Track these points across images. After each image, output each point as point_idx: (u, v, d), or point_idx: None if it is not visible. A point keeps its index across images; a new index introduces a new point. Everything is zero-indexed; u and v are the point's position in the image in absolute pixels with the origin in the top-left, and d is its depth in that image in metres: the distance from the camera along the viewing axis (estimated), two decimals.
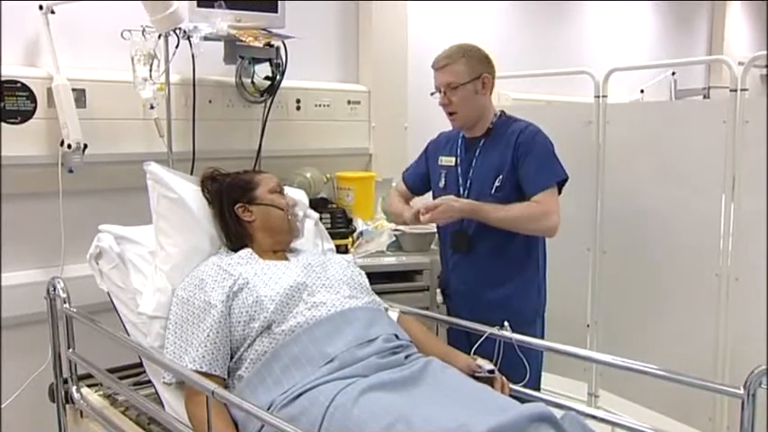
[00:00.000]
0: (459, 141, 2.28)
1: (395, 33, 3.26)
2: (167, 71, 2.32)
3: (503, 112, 2.27)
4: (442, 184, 2.29)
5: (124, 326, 1.92)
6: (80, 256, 2.06)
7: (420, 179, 2.42)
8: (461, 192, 2.21)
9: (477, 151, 2.21)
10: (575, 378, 2.72)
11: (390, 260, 2.66)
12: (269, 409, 1.53)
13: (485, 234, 2.15)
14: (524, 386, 1.85)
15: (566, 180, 2.15)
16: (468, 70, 2.14)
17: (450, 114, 2.20)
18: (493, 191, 2.14)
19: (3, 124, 2.15)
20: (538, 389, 2.12)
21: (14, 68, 2.20)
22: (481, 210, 2.09)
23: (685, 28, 5.63)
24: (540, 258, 2.26)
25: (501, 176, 2.14)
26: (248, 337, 1.67)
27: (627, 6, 4.94)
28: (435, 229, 2.46)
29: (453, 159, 2.26)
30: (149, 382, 1.86)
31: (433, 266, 2.64)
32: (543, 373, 2.26)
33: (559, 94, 3.85)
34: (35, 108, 2.21)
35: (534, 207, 2.08)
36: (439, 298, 2.38)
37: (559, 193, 2.14)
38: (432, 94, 2.21)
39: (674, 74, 4.59)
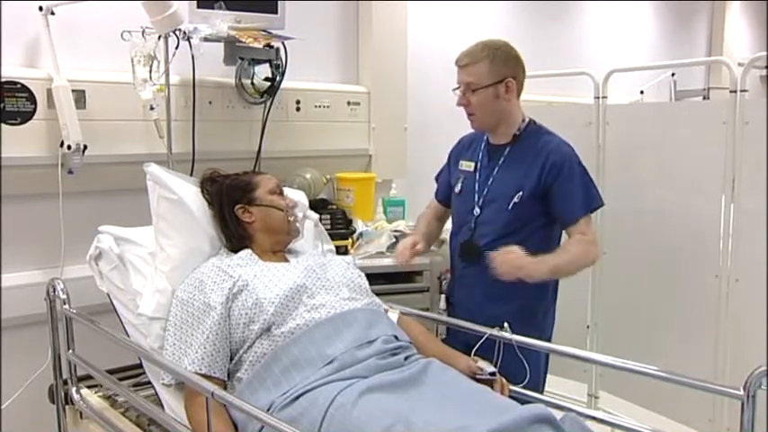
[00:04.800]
0: (483, 146, 2.15)
1: (395, 34, 3.27)
2: (167, 72, 2.32)
3: (532, 120, 2.13)
4: (458, 189, 2.18)
5: (124, 327, 1.92)
6: (80, 257, 2.06)
7: (451, 191, 2.26)
8: (477, 200, 2.11)
9: (501, 160, 2.09)
10: (575, 379, 2.72)
11: (390, 261, 2.65)
12: (269, 410, 1.53)
13: (497, 246, 2.02)
14: (526, 388, 1.85)
15: (600, 206, 2.08)
16: (489, 72, 2.00)
17: (468, 115, 2.09)
18: (510, 206, 2.03)
19: (3, 125, 2.15)
20: (541, 391, 2.10)
21: (14, 69, 2.20)
22: (553, 266, 1.95)
23: (685, 29, 5.63)
24: (551, 282, 2.13)
25: (522, 193, 2.02)
26: (248, 339, 1.67)
27: (627, 7, 4.94)
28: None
29: (473, 165, 2.14)
30: (149, 383, 1.86)
31: (433, 267, 2.64)
32: None
33: (559, 95, 3.85)
34: (35, 109, 2.21)
35: (586, 241, 1.98)
36: (442, 304, 2.28)
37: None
38: (454, 90, 2.08)
39: (673, 75, 4.59)
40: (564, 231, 2.08)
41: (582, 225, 2.01)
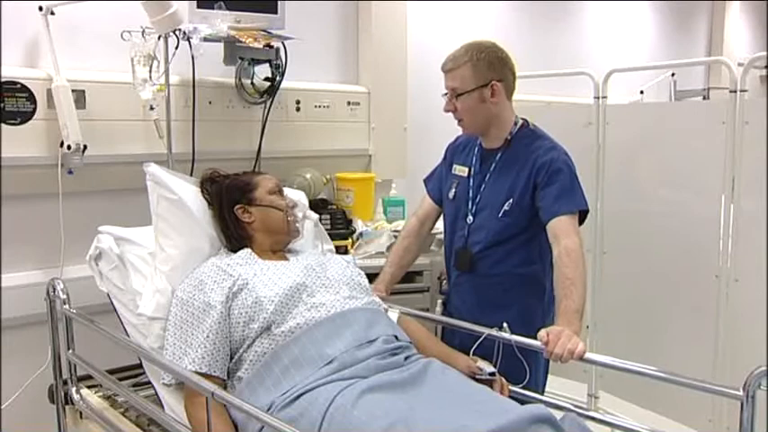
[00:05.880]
0: (476, 150, 2.10)
1: (395, 34, 3.27)
2: (167, 72, 2.32)
3: (525, 121, 2.07)
4: (451, 195, 2.12)
5: (124, 327, 1.92)
6: (80, 257, 2.06)
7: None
8: (470, 207, 2.06)
9: (493, 166, 2.03)
10: (575, 379, 2.72)
11: None
12: (269, 410, 1.53)
13: (489, 255, 2.02)
14: (527, 388, 1.85)
15: (586, 212, 1.96)
16: (473, 77, 1.94)
17: (458, 121, 2.04)
18: (500, 214, 1.98)
19: (3, 125, 2.15)
20: (542, 392, 2.07)
21: (14, 69, 2.21)
22: (576, 315, 1.77)
23: (685, 29, 5.64)
24: (548, 283, 2.03)
25: (511, 200, 1.97)
26: (248, 338, 1.67)
27: (627, 7, 4.95)
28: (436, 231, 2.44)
29: (466, 170, 2.09)
30: (149, 383, 1.86)
31: (433, 267, 2.64)
32: None
33: (559, 95, 3.86)
34: (35, 109, 2.21)
35: (568, 254, 1.82)
36: (438, 309, 2.24)
37: (580, 224, 1.93)
38: (442, 95, 2.03)
39: (673, 75, 4.59)
40: (547, 230, 1.93)
41: (564, 222, 1.88)
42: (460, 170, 2.12)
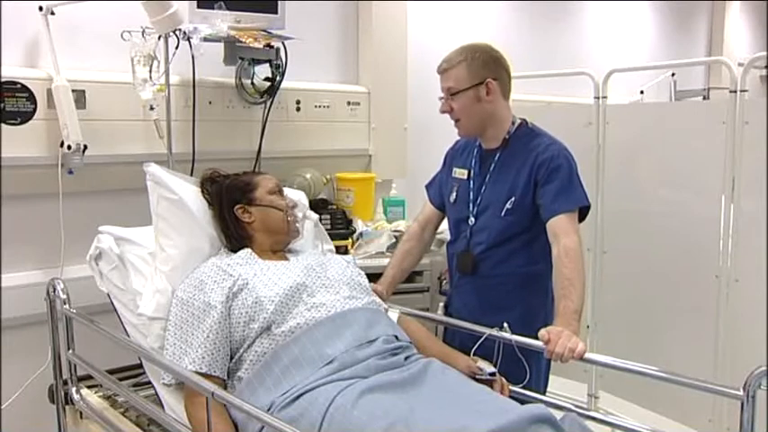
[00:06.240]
0: (475, 152, 2.10)
1: (395, 34, 3.27)
2: (167, 72, 2.32)
3: (524, 121, 2.07)
4: (452, 198, 2.12)
5: (124, 327, 1.92)
6: (80, 257, 2.06)
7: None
8: (471, 209, 2.06)
9: (492, 166, 2.03)
10: (575, 379, 2.72)
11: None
12: (269, 410, 1.53)
13: (492, 255, 2.02)
14: (528, 388, 1.85)
15: (587, 207, 1.96)
16: (468, 75, 1.95)
17: (455, 122, 2.04)
18: (503, 213, 1.98)
19: (3, 125, 2.16)
20: (544, 392, 2.07)
21: (14, 69, 2.21)
22: (575, 315, 1.78)
23: (685, 29, 5.64)
24: (551, 282, 1.98)
25: (513, 198, 1.96)
26: (248, 338, 1.67)
27: (627, 7, 4.95)
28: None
29: (466, 172, 2.09)
30: (149, 383, 1.86)
31: (432, 267, 2.64)
32: None
33: (559, 95, 3.86)
34: (35, 109, 2.22)
35: (566, 254, 1.83)
36: (440, 312, 2.22)
37: (581, 221, 1.94)
38: (440, 98, 2.03)
39: (673, 75, 4.60)
40: (546, 227, 1.92)
41: (563, 221, 1.89)
42: (460, 173, 2.12)
